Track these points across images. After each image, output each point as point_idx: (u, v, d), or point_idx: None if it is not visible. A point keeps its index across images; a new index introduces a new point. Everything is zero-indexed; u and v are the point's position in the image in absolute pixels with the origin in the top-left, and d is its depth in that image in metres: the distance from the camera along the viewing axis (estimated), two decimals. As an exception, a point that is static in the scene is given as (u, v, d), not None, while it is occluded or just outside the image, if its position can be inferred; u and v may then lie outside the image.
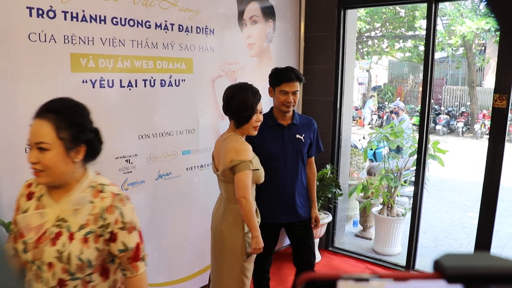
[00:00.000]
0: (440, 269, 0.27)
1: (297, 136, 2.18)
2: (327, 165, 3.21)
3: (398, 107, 7.26)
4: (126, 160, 2.17)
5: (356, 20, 3.52)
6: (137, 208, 2.24)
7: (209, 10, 2.52)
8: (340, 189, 3.20)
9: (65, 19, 1.85)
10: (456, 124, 12.38)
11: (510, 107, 2.52)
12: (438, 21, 12.50)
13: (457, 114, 13.12)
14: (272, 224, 2.19)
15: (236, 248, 1.87)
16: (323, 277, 0.27)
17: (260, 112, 1.92)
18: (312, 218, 2.31)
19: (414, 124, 7.70)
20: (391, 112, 7.99)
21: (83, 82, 1.94)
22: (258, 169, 1.89)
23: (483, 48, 14.07)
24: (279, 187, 2.13)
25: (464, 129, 12.30)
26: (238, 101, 1.84)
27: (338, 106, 3.25)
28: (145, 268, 1.21)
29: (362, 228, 3.92)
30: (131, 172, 2.19)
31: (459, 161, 8.15)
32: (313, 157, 2.33)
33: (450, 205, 5.53)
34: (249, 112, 1.85)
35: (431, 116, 12.36)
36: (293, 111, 2.19)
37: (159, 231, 2.39)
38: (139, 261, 1.19)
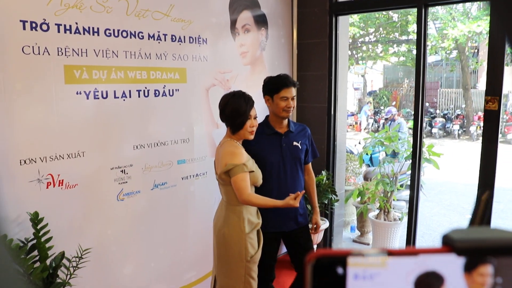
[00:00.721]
0: (449, 243, 0.27)
1: (294, 143, 2.22)
2: (322, 171, 3.24)
3: (392, 114, 7.33)
4: (121, 171, 2.19)
5: (348, 26, 3.58)
6: (133, 218, 2.26)
7: (202, 20, 2.55)
8: (336, 195, 3.23)
9: (59, 31, 1.88)
10: (452, 126, 12.49)
11: (504, 108, 2.57)
12: (431, 25, 12.53)
13: (453, 116, 13.25)
14: (274, 233, 2.21)
15: (240, 249, 1.94)
16: (334, 253, 0.27)
17: (255, 118, 1.99)
18: (313, 223, 2.33)
19: (410, 128, 7.76)
20: (386, 119, 8.08)
21: (77, 93, 1.96)
22: (253, 171, 1.95)
23: (476, 50, 14.27)
24: (279, 196, 2.15)
25: (460, 132, 12.41)
26: (231, 108, 1.93)
27: (332, 112, 3.29)
28: None
29: (359, 234, 3.94)
30: (126, 182, 2.21)
31: (456, 164, 8.22)
32: (310, 163, 2.36)
33: (448, 208, 5.56)
34: (242, 118, 1.93)
35: (427, 119, 12.54)
36: (288, 118, 2.24)
37: (155, 241, 2.39)
38: None
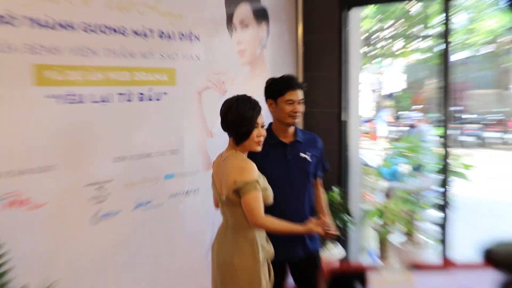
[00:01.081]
0: (494, 258, 0.26)
1: (302, 155, 2.20)
2: (333, 187, 3.19)
3: (414, 119, 7.36)
4: (99, 187, 2.16)
5: (360, 20, 3.58)
6: (111, 244, 2.22)
7: (194, 14, 2.57)
8: (351, 215, 3.17)
9: (26, 25, 1.88)
10: (487, 134, 12.36)
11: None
12: (460, 18, 12.49)
13: (488, 122, 13.09)
14: (280, 262, 2.14)
15: (253, 282, 1.89)
16: (351, 269, 0.26)
17: (262, 126, 1.96)
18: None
19: (440, 136, 7.72)
20: (408, 126, 8.12)
21: (46, 97, 1.95)
22: (266, 188, 1.92)
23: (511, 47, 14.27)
24: (284, 216, 2.05)
25: (497, 140, 12.27)
26: (235, 115, 1.89)
27: (344, 118, 3.27)
28: None
29: (379, 261, 3.87)
30: (104, 201, 2.18)
31: (497, 179, 8.07)
32: (320, 178, 2.32)
33: (487, 232, 5.44)
34: (248, 127, 1.90)
35: (457, 125, 12.44)
36: (295, 126, 2.22)
37: (138, 269, 2.36)
38: None
